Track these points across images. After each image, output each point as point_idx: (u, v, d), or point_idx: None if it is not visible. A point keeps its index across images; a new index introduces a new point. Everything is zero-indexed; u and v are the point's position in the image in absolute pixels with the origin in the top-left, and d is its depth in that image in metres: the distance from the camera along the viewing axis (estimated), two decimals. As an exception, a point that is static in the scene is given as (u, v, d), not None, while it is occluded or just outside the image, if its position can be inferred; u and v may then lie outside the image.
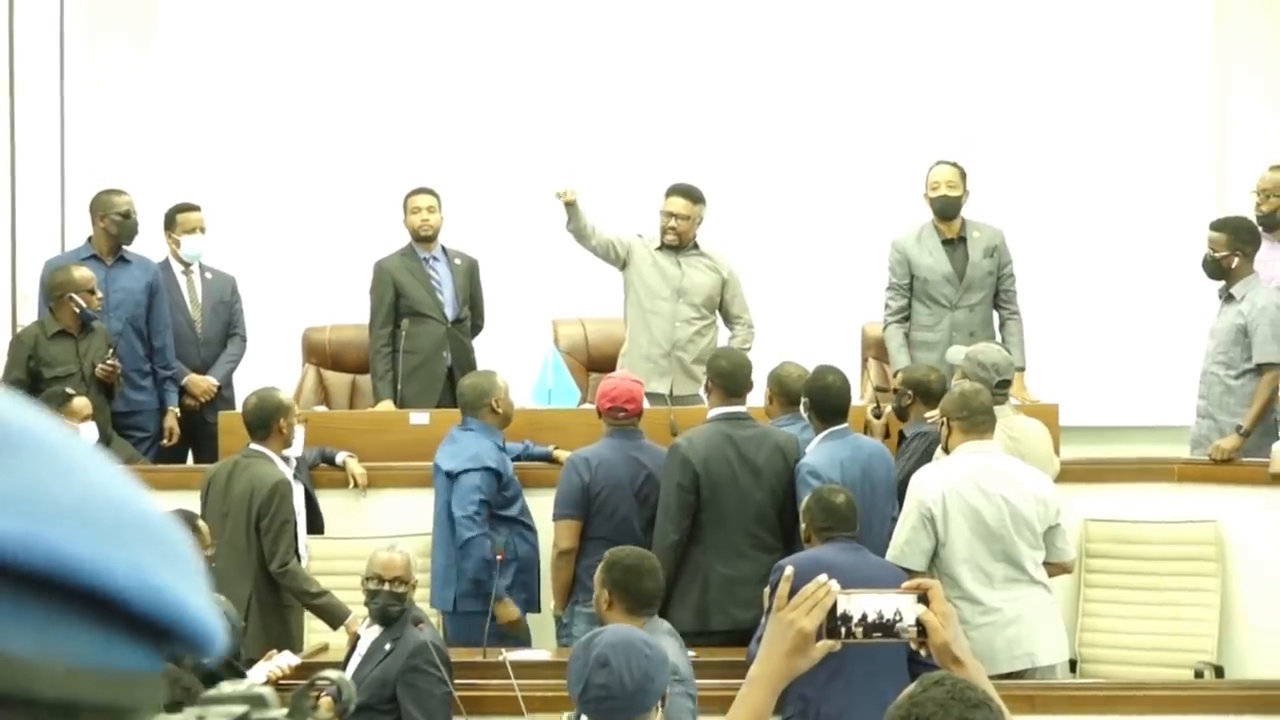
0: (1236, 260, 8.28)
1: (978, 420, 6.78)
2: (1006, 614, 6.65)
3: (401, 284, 8.76)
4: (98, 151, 10.27)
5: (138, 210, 8.91)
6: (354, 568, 6.90)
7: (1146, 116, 10.51)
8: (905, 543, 6.68)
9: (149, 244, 9.12)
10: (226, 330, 9.13)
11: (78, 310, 8.38)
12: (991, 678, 6.48)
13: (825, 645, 2.76)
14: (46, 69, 10.05)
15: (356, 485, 8.08)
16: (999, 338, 8.48)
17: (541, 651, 7.31)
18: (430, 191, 8.99)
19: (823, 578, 2.80)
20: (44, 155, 9.96)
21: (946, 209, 8.57)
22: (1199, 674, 7.54)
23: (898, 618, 2.75)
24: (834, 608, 2.73)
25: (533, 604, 7.62)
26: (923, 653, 2.81)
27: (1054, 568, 6.86)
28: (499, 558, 7.31)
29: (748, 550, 7.22)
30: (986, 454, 6.78)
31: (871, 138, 10.48)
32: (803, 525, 6.52)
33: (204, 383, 8.93)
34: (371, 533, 7.62)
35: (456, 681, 6.51)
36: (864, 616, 2.74)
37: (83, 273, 8.51)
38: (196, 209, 9.13)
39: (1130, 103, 10.51)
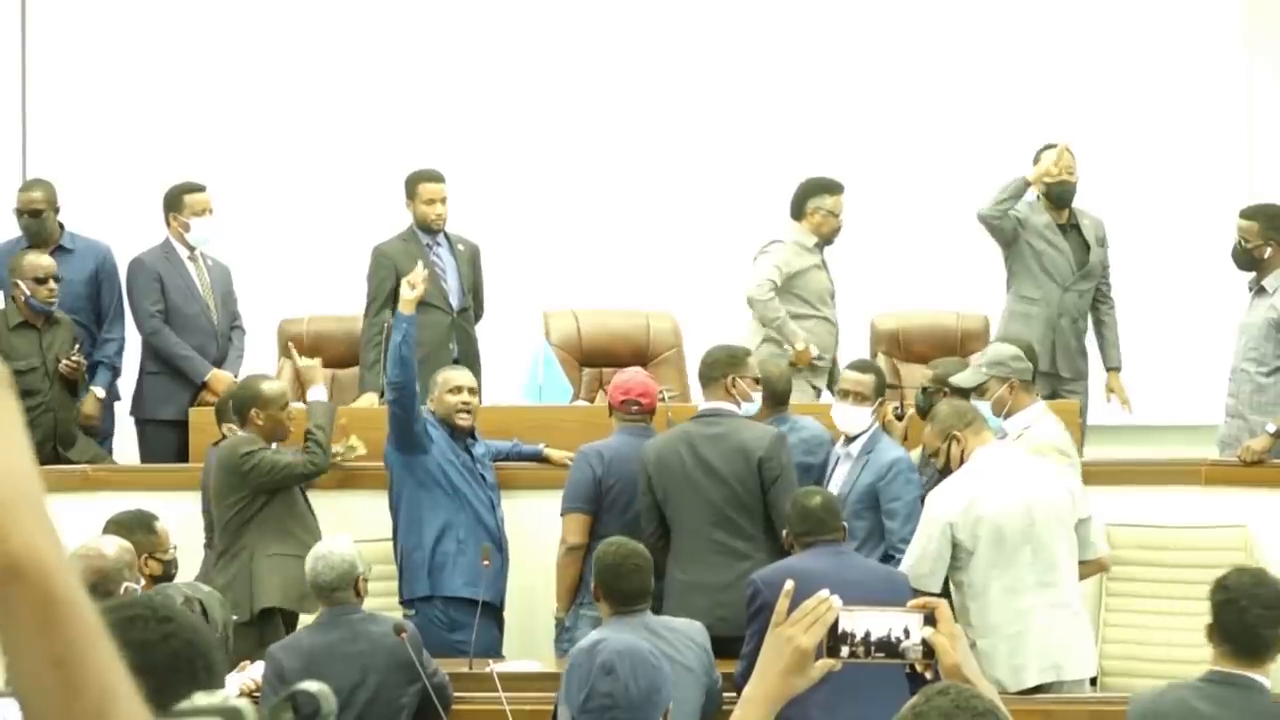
0: (1269, 250, 8.10)
1: (983, 423, 6.76)
2: (1036, 625, 6.52)
3: (404, 270, 8.12)
4: (62, 130, 10.01)
5: (60, 204, 8.47)
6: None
7: (1176, 105, 10.44)
8: (918, 559, 6.54)
9: (145, 227, 8.72)
10: (231, 322, 8.76)
11: (24, 299, 8.00)
12: (1020, 692, 6.36)
13: (825, 664, 2.66)
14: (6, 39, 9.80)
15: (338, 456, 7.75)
16: (1090, 330, 8.57)
17: (531, 663, 7.16)
18: (440, 177, 8.61)
19: (824, 593, 2.68)
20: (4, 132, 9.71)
21: (1065, 195, 8.45)
22: None
23: (903, 637, 2.65)
24: (835, 625, 2.63)
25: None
26: (929, 675, 2.72)
27: (1088, 566, 6.75)
28: (484, 563, 7.09)
29: (708, 555, 7.03)
30: (1003, 455, 6.70)
31: (888, 129, 10.38)
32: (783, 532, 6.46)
33: (228, 379, 8.36)
34: (351, 535, 7.28)
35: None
36: (867, 635, 2.65)
37: (32, 259, 8.12)
38: (203, 189, 8.69)
39: (1160, 92, 10.53)
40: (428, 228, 8.52)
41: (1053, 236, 8.43)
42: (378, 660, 6.19)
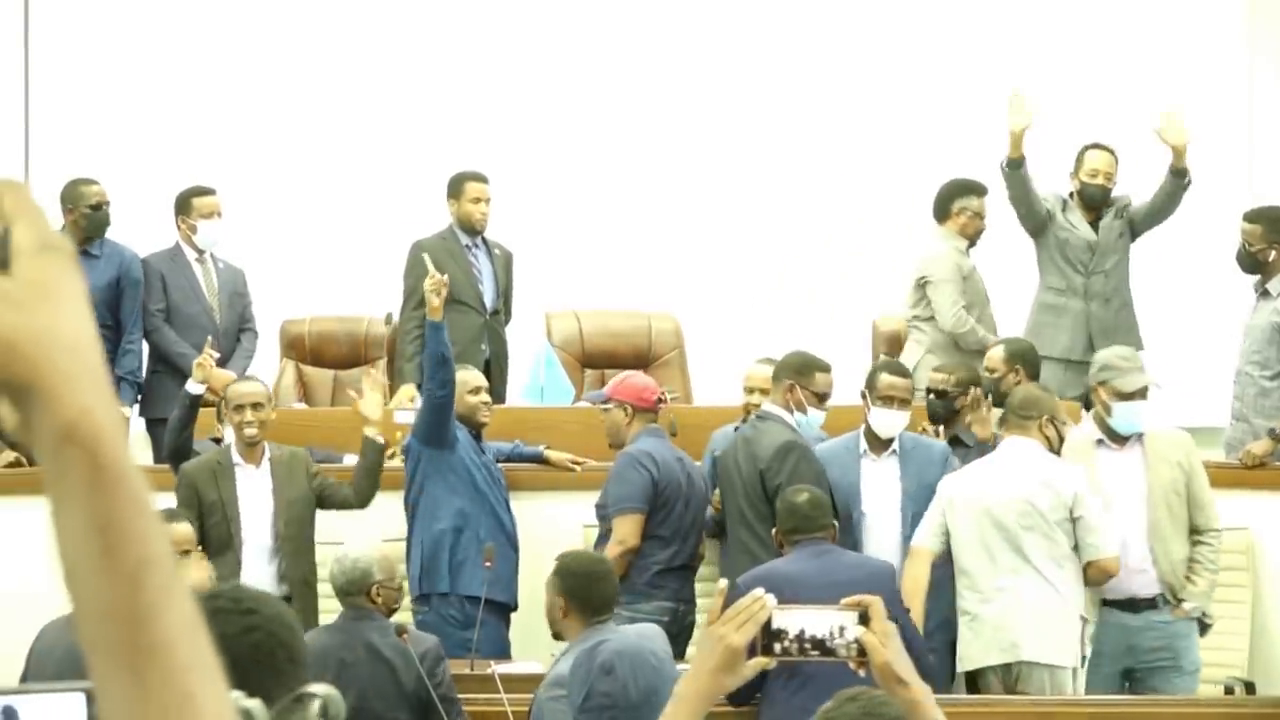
0: (1274, 253, 8.05)
1: (1010, 417, 6.88)
2: (1000, 605, 6.63)
3: (441, 268, 8.18)
4: (66, 135, 10.00)
5: (111, 200, 8.47)
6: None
7: (1177, 107, 10.29)
8: (920, 528, 6.79)
9: (152, 231, 8.71)
10: (239, 324, 8.72)
11: None
12: (984, 670, 6.43)
13: (757, 663, 2.65)
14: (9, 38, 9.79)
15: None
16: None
17: (533, 664, 7.09)
18: (486, 178, 8.65)
19: (758, 591, 2.67)
20: (7, 140, 9.70)
21: (1100, 199, 8.43)
22: (1229, 690, 7.41)
23: (837, 635, 2.63)
24: (768, 623, 2.61)
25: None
26: (861, 673, 2.71)
27: (1092, 570, 6.72)
28: (487, 564, 7.08)
29: (736, 554, 7.11)
30: (1016, 448, 6.78)
31: (884, 129, 10.36)
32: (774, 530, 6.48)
33: (225, 377, 8.22)
34: (357, 537, 7.27)
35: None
36: (801, 633, 2.63)
37: None
38: (212, 193, 8.72)
39: (1161, 94, 10.34)
40: (471, 228, 8.56)
41: (1079, 224, 8.41)
42: (362, 672, 6.02)
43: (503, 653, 7.21)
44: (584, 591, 5.55)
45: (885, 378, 7.27)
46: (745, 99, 10.40)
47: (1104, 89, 10.36)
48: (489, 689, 6.41)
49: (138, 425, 8.61)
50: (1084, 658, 6.75)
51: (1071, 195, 8.48)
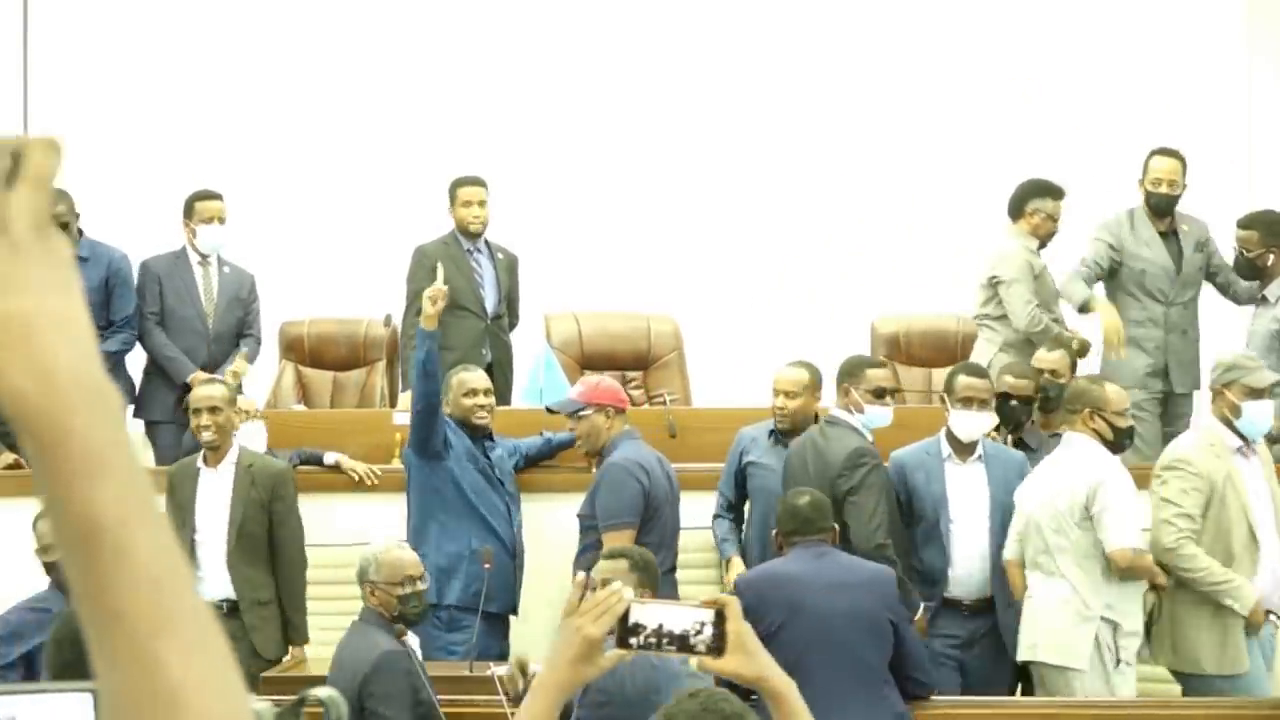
0: (1272, 257, 7.99)
1: (1063, 412, 6.98)
2: (1028, 606, 6.77)
3: (445, 275, 8.29)
4: (69, 139, 9.92)
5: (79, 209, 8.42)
6: (341, 576, 6.69)
7: (1177, 111, 10.34)
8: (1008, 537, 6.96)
9: (157, 233, 8.71)
10: (239, 329, 8.69)
11: None
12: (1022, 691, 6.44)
13: (615, 655, 2.71)
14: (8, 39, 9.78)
15: (367, 481, 7.78)
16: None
17: (534, 665, 6.95)
18: (481, 182, 8.65)
19: (616, 585, 2.73)
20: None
21: (1165, 206, 8.31)
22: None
23: (696, 631, 2.66)
24: (626, 616, 2.66)
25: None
26: (713, 670, 2.77)
27: (1111, 565, 6.70)
28: (486, 566, 7.00)
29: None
30: (1065, 446, 6.84)
31: (889, 135, 10.33)
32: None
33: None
34: (355, 539, 7.26)
35: (440, 697, 6.22)
36: (659, 627, 2.66)
37: None
38: (217, 197, 8.68)
39: (1162, 94, 10.41)
40: (465, 232, 8.55)
41: (1152, 250, 8.31)
42: (344, 676, 5.90)
43: (500, 658, 7.15)
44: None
45: (963, 379, 7.15)
46: (744, 101, 10.37)
47: (1103, 89, 10.36)
48: (487, 690, 6.29)
49: (135, 427, 8.60)
50: (1119, 659, 6.64)
51: (1141, 205, 8.38)
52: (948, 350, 8.89)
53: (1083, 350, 8.10)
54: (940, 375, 8.04)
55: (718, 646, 2.65)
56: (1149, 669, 7.03)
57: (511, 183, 9.83)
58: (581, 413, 7.26)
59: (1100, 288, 8.27)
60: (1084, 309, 8.20)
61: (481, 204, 8.58)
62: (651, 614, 2.69)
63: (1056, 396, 7.34)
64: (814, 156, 10.34)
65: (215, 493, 7.26)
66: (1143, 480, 6.94)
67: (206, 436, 7.24)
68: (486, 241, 8.67)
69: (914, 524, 7.08)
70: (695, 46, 10.42)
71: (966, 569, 6.99)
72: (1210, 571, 6.65)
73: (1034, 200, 8.39)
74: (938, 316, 9.21)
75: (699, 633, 2.65)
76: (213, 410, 7.25)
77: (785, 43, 10.43)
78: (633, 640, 2.67)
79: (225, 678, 1.01)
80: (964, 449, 7.11)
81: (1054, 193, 8.40)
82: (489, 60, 10.40)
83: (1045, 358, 7.71)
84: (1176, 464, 6.82)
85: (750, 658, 2.66)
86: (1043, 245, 8.40)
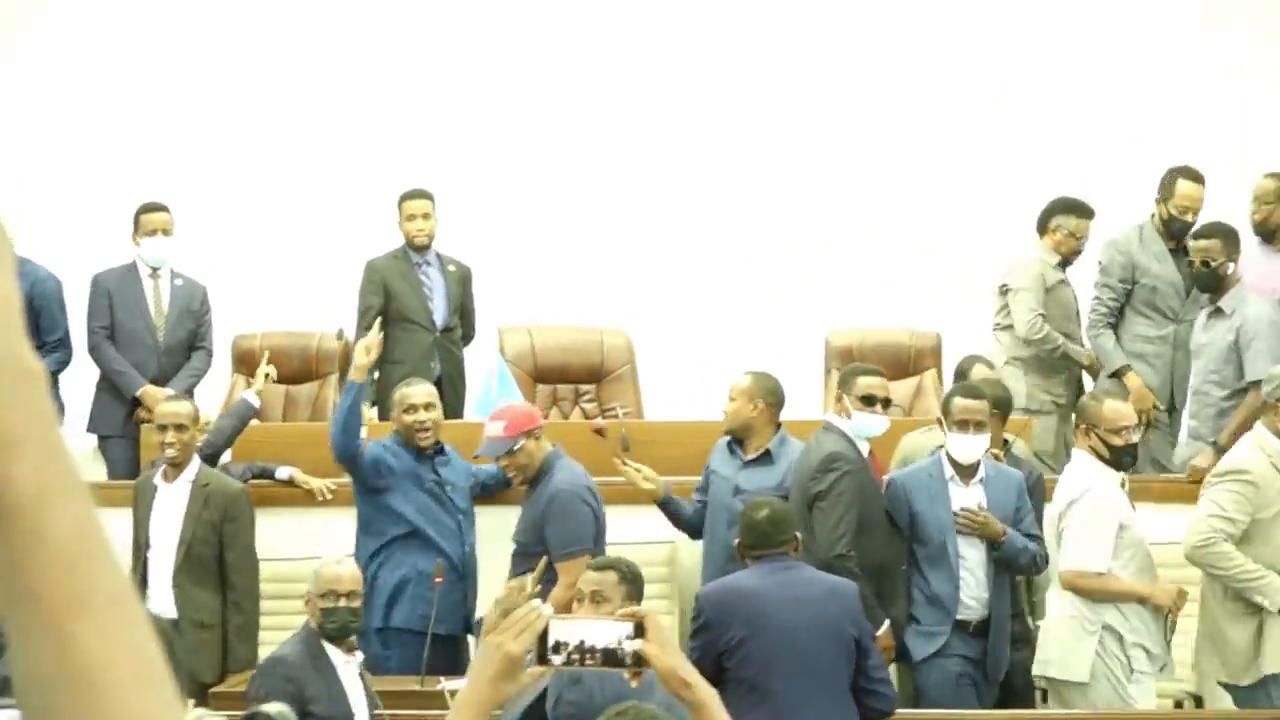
0: (1232, 265, 7.97)
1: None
2: (1043, 622, 6.93)
3: (392, 287, 8.44)
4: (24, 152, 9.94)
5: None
6: (294, 590, 6.62)
7: (1175, 115, 10.30)
8: None
9: (114, 246, 8.67)
10: (191, 341, 8.63)
11: None
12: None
13: (535, 671, 2.76)
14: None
15: (320, 497, 7.74)
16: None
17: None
18: (425, 195, 8.68)
19: (535, 602, 2.79)
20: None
21: (1185, 232, 8.30)
22: (1179, 704, 7.41)
23: (619, 645, 2.70)
24: (545, 633, 2.68)
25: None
26: (634, 684, 2.88)
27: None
28: (437, 579, 6.96)
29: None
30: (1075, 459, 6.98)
31: (851, 131, 10.31)
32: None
33: (161, 395, 8.15)
34: (310, 554, 7.22)
35: (392, 712, 6.22)
36: (581, 643, 2.70)
37: None
38: (163, 209, 8.65)
39: (1163, 96, 10.34)
40: (412, 245, 8.54)
41: (1162, 266, 8.33)
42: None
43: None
44: None
45: (959, 401, 7.03)
46: (697, 115, 10.34)
47: (1071, 89, 10.35)
48: (439, 705, 6.22)
49: (89, 441, 8.55)
50: (1132, 669, 6.64)
51: (1152, 220, 8.38)
52: (900, 363, 8.87)
53: (1094, 373, 8.35)
54: (896, 388, 8.05)
55: (641, 659, 2.68)
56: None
57: (464, 195, 9.82)
58: (518, 446, 7.09)
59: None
60: (1116, 375, 8.23)
61: (426, 217, 8.57)
62: (572, 630, 2.71)
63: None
64: (779, 157, 10.30)
65: (169, 509, 7.23)
66: (1164, 493, 7.29)
67: (170, 453, 7.22)
68: (438, 254, 8.67)
69: (918, 545, 7.04)
70: (652, 53, 10.39)
71: (972, 591, 6.94)
72: (1243, 568, 6.58)
73: (1058, 217, 8.41)
74: (891, 330, 9.16)
75: (622, 646, 2.68)
76: (179, 428, 7.23)
77: (747, 44, 10.40)
78: (554, 658, 2.70)
79: (144, 659, 0.98)
80: (966, 471, 7.05)
81: (1079, 211, 8.41)
82: (441, 73, 10.38)
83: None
84: (1233, 471, 6.75)
85: (681, 665, 2.70)
86: (1066, 263, 8.39)
